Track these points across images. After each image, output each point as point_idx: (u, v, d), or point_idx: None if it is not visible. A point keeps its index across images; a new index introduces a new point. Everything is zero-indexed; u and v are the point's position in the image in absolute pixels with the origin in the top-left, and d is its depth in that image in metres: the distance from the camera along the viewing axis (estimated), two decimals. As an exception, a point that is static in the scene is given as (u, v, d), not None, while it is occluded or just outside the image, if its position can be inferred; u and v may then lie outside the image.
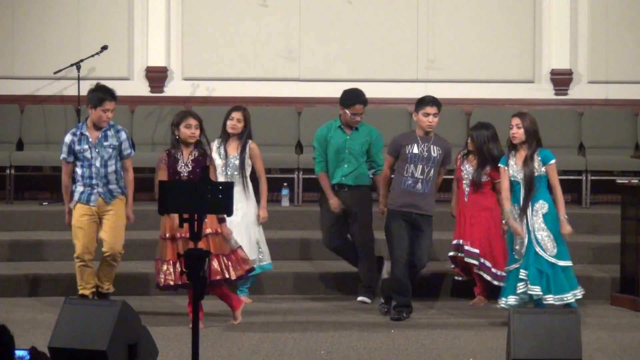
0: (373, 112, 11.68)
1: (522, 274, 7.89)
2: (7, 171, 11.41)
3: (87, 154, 8.39)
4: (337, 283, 9.33)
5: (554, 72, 11.97)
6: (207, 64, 12.06)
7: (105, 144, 8.40)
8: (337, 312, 8.63)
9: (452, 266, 9.01)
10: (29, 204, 11.29)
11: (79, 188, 8.41)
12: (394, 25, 12.03)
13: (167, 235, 7.89)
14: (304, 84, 11.85)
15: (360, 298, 8.97)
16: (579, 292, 7.99)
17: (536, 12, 11.98)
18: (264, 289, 9.26)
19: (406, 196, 8.30)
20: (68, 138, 8.45)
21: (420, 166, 8.30)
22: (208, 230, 7.84)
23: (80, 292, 8.43)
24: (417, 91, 11.97)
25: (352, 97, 9.00)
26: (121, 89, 11.91)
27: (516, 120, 8.00)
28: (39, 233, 10.23)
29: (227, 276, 7.95)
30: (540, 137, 8.03)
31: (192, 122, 8.00)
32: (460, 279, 9.02)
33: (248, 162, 8.72)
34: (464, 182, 8.92)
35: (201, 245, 7.50)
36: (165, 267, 7.87)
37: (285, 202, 11.23)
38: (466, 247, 8.76)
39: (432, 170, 8.31)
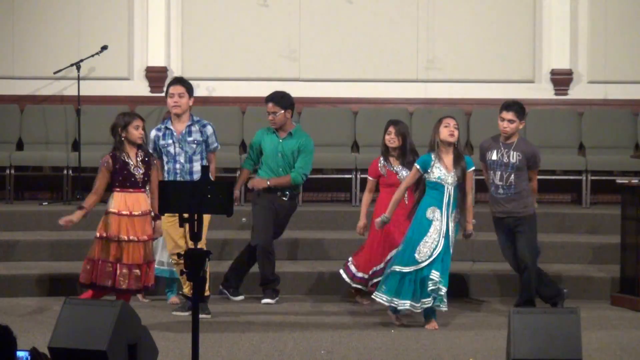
0: (373, 112, 11.71)
1: (434, 275, 7.82)
2: (7, 171, 11.41)
3: (171, 149, 8.35)
4: (337, 283, 9.31)
5: (554, 72, 11.97)
6: (207, 64, 12.06)
7: (189, 139, 8.35)
8: (337, 312, 8.64)
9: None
10: (29, 204, 11.29)
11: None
12: (394, 25, 12.03)
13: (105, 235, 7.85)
14: (304, 84, 11.85)
15: (265, 300, 8.90)
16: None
17: (536, 12, 11.98)
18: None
19: (496, 204, 8.38)
20: (152, 133, 8.42)
21: (499, 172, 8.31)
22: (148, 237, 7.87)
23: (184, 290, 8.28)
24: (417, 91, 12.02)
25: (266, 97, 9.03)
26: (121, 89, 12.00)
27: (453, 121, 7.94)
28: (39, 233, 10.23)
29: (148, 284, 7.98)
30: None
31: (140, 122, 7.94)
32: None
33: None
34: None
35: (138, 250, 7.66)
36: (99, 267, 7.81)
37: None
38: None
39: (512, 176, 8.27)
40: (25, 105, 11.98)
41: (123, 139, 7.91)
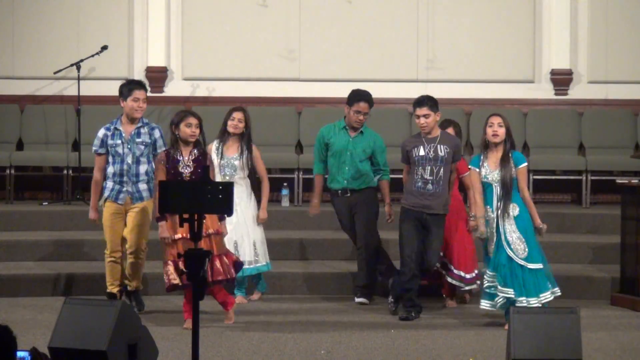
0: (373, 112, 11.68)
1: (489, 274, 7.91)
2: (7, 171, 11.41)
3: (119, 149, 8.39)
4: (337, 283, 9.33)
5: (554, 72, 11.97)
6: (207, 64, 12.06)
7: (138, 140, 8.42)
8: (337, 312, 8.64)
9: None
10: (29, 204, 11.29)
11: (109, 184, 8.43)
12: (394, 25, 12.04)
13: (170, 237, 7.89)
14: (304, 84, 11.85)
15: (358, 299, 8.95)
16: (549, 294, 7.96)
17: (536, 12, 11.98)
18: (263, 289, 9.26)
19: (417, 197, 8.30)
20: (101, 132, 8.48)
21: (429, 167, 8.30)
22: (210, 230, 7.85)
23: (109, 289, 8.44)
24: (417, 91, 11.94)
25: (357, 95, 9.01)
26: (121, 89, 11.97)
27: (498, 119, 7.96)
28: (39, 233, 10.23)
29: (228, 276, 7.96)
30: (513, 138, 8.05)
31: (193, 121, 7.98)
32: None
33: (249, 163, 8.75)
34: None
35: (203, 245, 7.58)
36: (168, 269, 7.88)
37: (285, 202, 11.23)
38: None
39: (442, 170, 8.29)
40: (25, 105, 11.98)
41: (177, 136, 7.96)
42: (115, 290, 8.44)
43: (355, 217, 8.97)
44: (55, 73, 11.62)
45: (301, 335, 7.71)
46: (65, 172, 11.52)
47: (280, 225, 10.38)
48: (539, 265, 7.93)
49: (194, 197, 5.64)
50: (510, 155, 7.93)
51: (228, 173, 8.70)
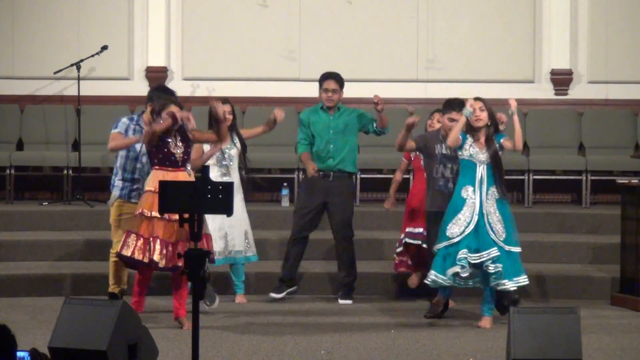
0: (373, 112, 11.69)
1: (462, 253, 7.84)
2: (7, 171, 11.41)
3: (137, 146, 8.31)
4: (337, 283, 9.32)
5: (554, 72, 11.97)
6: (207, 64, 12.06)
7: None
8: (337, 312, 8.64)
9: (398, 260, 8.89)
10: (29, 204, 11.29)
11: (119, 183, 8.40)
12: (394, 25, 12.04)
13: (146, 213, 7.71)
14: (304, 84, 11.84)
15: (342, 301, 8.92)
16: (521, 280, 7.96)
17: (536, 12, 11.98)
18: (263, 289, 9.25)
19: (439, 197, 8.30)
20: (125, 119, 8.40)
21: (450, 165, 8.30)
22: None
23: (110, 289, 8.40)
24: (417, 91, 12.02)
25: (323, 75, 9.16)
26: (121, 89, 11.99)
27: (479, 103, 7.99)
28: (39, 233, 10.23)
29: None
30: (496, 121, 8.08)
31: (175, 108, 7.87)
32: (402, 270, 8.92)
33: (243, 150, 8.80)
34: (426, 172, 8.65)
35: (172, 228, 7.56)
36: (129, 241, 7.70)
37: (285, 202, 11.23)
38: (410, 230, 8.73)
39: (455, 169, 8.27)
40: (25, 105, 11.98)
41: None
42: (117, 290, 8.41)
43: (332, 208, 8.93)
44: (55, 73, 11.63)
45: (301, 335, 7.71)
46: (65, 172, 11.52)
47: (280, 225, 10.38)
48: (517, 249, 7.96)
49: (194, 197, 5.64)
50: (493, 137, 7.98)
51: (225, 163, 8.68)
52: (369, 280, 9.34)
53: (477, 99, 8.07)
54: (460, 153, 8.01)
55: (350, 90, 11.97)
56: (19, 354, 4.74)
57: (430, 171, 8.42)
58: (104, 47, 11.63)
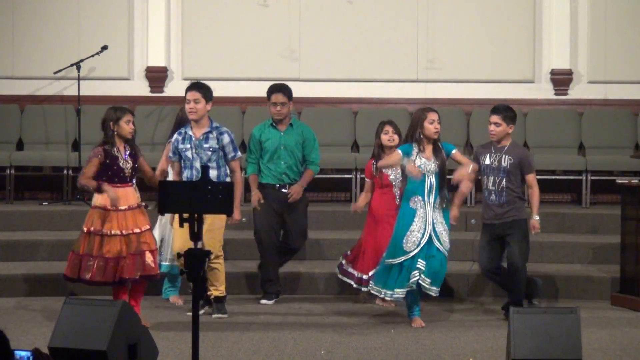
0: (373, 112, 11.70)
1: (420, 264, 7.88)
2: (7, 171, 11.40)
3: (188, 154, 8.27)
4: (337, 283, 9.31)
5: (554, 72, 11.97)
6: (207, 64, 12.05)
7: (205, 145, 8.25)
8: (337, 312, 8.63)
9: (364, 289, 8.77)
10: (29, 204, 11.29)
11: None
12: (394, 25, 12.03)
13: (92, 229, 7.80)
14: (304, 84, 11.84)
15: (263, 301, 8.91)
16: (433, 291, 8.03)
17: (536, 12, 11.98)
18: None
19: (486, 209, 8.30)
20: (174, 138, 8.37)
21: (492, 177, 8.25)
22: (146, 227, 7.86)
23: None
24: (417, 91, 12.02)
25: (271, 88, 9.02)
26: (121, 89, 11.99)
27: (436, 115, 7.99)
28: (39, 233, 10.23)
29: (152, 273, 7.92)
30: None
31: (131, 117, 7.93)
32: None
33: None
34: (394, 185, 8.62)
35: (121, 243, 7.68)
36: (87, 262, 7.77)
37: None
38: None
39: (504, 181, 8.20)
40: (25, 105, 11.98)
41: (115, 133, 7.88)
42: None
43: (290, 216, 8.91)
44: (55, 73, 11.62)
45: (301, 335, 7.71)
46: (65, 172, 11.52)
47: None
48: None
49: (194, 197, 5.64)
50: (440, 146, 8.01)
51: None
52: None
53: (434, 110, 8.07)
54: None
55: (350, 90, 12.03)
56: (21, 353, 4.74)
57: (482, 182, 8.38)
58: (104, 47, 11.63)
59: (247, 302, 8.96)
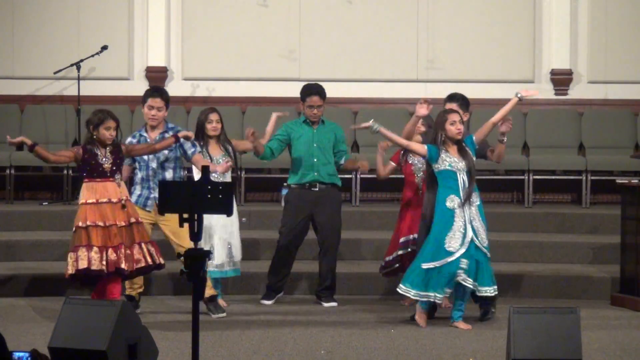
0: (373, 112, 11.70)
1: (463, 263, 7.86)
2: (7, 171, 11.41)
3: (145, 156, 8.38)
4: (337, 283, 9.31)
5: (554, 72, 11.98)
6: (207, 64, 12.06)
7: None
8: (337, 312, 8.63)
9: (386, 265, 8.77)
10: (29, 204, 11.29)
11: (137, 191, 8.45)
12: (394, 25, 12.04)
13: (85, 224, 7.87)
14: (304, 84, 11.83)
15: (329, 304, 8.82)
16: (495, 288, 8.02)
17: (536, 12, 11.99)
18: (263, 289, 9.26)
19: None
20: (127, 141, 8.46)
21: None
22: (132, 220, 7.92)
23: (127, 292, 8.39)
24: (417, 91, 12.01)
25: (308, 89, 9.00)
26: (121, 89, 11.99)
27: (458, 116, 8.04)
28: (39, 233, 10.23)
29: (150, 262, 7.93)
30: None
31: (112, 124, 7.92)
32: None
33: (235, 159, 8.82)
34: (416, 176, 8.66)
35: (125, 234, 7.77)
36: (80, 254, 7.80)
37: (284, 202, 11.20)
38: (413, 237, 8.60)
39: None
40: (25, 105, 11.98)
41: (94, 137, 7.94)
42: (134, 293, 8.41)
43: (319, 214, 8.83)
44: (55, 73, 11.63)
45: (301, 335, 7.71)
46: (65, 172, 11.53)
47: (279, 225, 10.36)
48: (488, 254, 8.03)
49: (194, 197, 5.64)
50: (465, 145, 8.02)
51: (216, 175, 8.61)
52: (369, 280, 9.34)
53: (455, 111, 8.12)
54: (436, 165, 7.95)
55: (350, 90, 12.03)
56: (19, 354, 4.74)
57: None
58: (104, 47, 11.63)
59: (247, 302, 8.96)
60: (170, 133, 8.42)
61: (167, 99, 8.54)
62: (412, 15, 12.02)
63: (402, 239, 8.66)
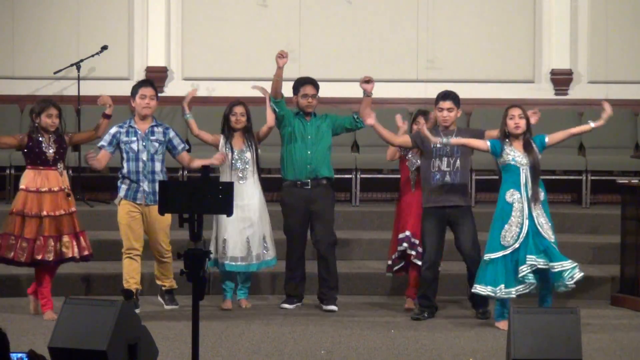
0: (373, 112, 11.68)
1: (530, 259, 7.88)
2: (7, 171, 11.40)
3: (134, 146, 8.48)
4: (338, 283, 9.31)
5: (554, 72, 11.97)
6: (207, 64, 12.05)
7: (152, 138, 8.55)
8: (337, 312, 8.63)
9: (392, 264, 8.69)
10: (29, 204, 11.26)
11: (124, 185, 8.53)
12: (394, 25, 12.04)
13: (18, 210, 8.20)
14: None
15: (329, 307, 8.68)
16: (576, 275, 7.98)
17: (536, 12, 11.98)
18: (263, 289, 9.26)
19: (437, 191, 8.30)
20: (114, 129, 8.58)
21: (445, 159, 8.31)
22: (72, 209, 8.23)
23: (125, 286, 8.48)
24: (417, 91, 12.02)
25: (301, 80, 9.08)
26: (121, 89, 11.94)
27: (518, 111, 8.10)
28: (39, 233, 10.21)
29: (78, 253, 8.21)
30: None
31: (54, 111, 8.23)
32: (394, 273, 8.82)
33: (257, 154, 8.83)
34: (410, 171, 8.67)
35: (52, 225, 8.04)
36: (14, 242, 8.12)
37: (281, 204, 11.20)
38: (413, 240, 8.57)
39: (458, 161, 8.29)
40: (25, 105, 11.93)
41: (37, 125, 8.20)
42: (131, 287, 8.47)
43: (315, 214, 8.73)
44: (55, 73, 11.62)
45: (301, 335, 7.71)
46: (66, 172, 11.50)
47: (280, 225, 10.36)
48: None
49: (194, 197, 5.64)
50: (531, 141, 8.07)
51: (240, 167, 8.69)
52: (369, 280, 9.34)
53: (515, 106, 8.17)
54: (501, 159, 8.05)
55: (350, 90, 11.99)
56: (17, 355, 4.73)
57: (426, 167, 8.39)
58: (104, 47, 11.63)
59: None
60: (160, 128, 8.60)
61: (156, 91, 8.73)
62: (412, 15, 12.02)
63: (400, 235, 8.64)
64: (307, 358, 7.08)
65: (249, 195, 8.65)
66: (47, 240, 8.11)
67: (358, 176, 11.31)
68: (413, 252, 8.54)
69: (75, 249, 8.21)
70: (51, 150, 8.20)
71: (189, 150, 8.86)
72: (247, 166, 8.72)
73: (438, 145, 8.23)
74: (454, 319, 8.35)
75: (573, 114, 11.85)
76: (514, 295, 7.93)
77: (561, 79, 11.99)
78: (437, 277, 8.39)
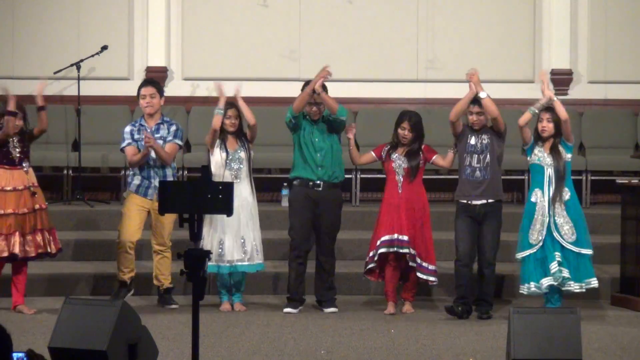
0: (373, 112, 11.72)
1: (557, 256, 8.10)
2: (7, 171, 11.39)
3: (143, 143, 8.65)
4: (337, 283, 9.31)
5: (554, 72, 11.97)
6: (207, 64, 12.06)
7: (157, 135, 8.75)
8: (337, 312, 8.63)
9: (371, 266, 8.61)
10: (29, 204, 11.27)
11: (136, 181, 8.72)
12: (394, 25, 12.04)
13: None
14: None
15: (330, 309, 8.66)
16: (592, 282, 8.26)
17: (536, 12, 11.99)
18: (263, 289, 9.26)
19: (467, 186, 8.44)
20: (127, 128, 8.86)
21: (476, 155, 8.44)
22: (37, 206, 8.42)
23: (120, 278, 8.64)
24: (417, 91, 12.02)
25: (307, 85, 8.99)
26: (121, 89, 11.98)
27: (546, 115, 8.38)
28: (39, 233, 10.22)
29: (48, 250, 8.38)
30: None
31: (20, 114, 8.48)
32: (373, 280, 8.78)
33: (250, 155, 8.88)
34: (397, 173, 8.69)
35: (29, 220, 8.25)
36: None
37: (285, 202, 11.19)
38: (398, 237, 8.52)
39: (488, 157, 8.42)
40: (25, 106, 11.94)
41: (1, 126, 8.39)
42: (126, 278, 8.64)
43: (323, 217, 8.71)
44: (55, 73, 11.62)
45: (301, 335, 7.71)
46: (65, 172, 11.52)
47: (280, 225, 10.36)
48: (588, 251, 8.28)
49: (194, 197, 5.64)
50: (559, 147, 8.27)
51: (235, 167, 8.73)
52: (369, 281, 9.32)
53: (547, 109, 8.41)
54: (529, 159, 8.33)
55: (350, 90, 12.02)
56: (16, 355, 4.73)
57: (460, 162, 8.54)
58: (104, 47, 11.63)
59: (247, 302, 8.94)
60: (165, 125, 8.80)
61: (158, 88, 8.93)
62: (412, 15, 12.02)
63: (384, 237, 8.58)
64: (307, 358, 7.08)
65: (243, 196, 8.67)
66: (10, 238, 8.24)
67: (358, 176, 11.31)
68: (405, 251, 8.52)
69: (40, 247, 8.34)
70: (17, 151, 8.42)
71: (180, 147, 9.01)
72: (241, 166, 8.75)
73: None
74: (454, 319, 8.34)
75: (573, 114, 11.83)
76: (554, 283, 8.15)
77: (561, 79, 11.99)
78: (471, 277, 8.49)
